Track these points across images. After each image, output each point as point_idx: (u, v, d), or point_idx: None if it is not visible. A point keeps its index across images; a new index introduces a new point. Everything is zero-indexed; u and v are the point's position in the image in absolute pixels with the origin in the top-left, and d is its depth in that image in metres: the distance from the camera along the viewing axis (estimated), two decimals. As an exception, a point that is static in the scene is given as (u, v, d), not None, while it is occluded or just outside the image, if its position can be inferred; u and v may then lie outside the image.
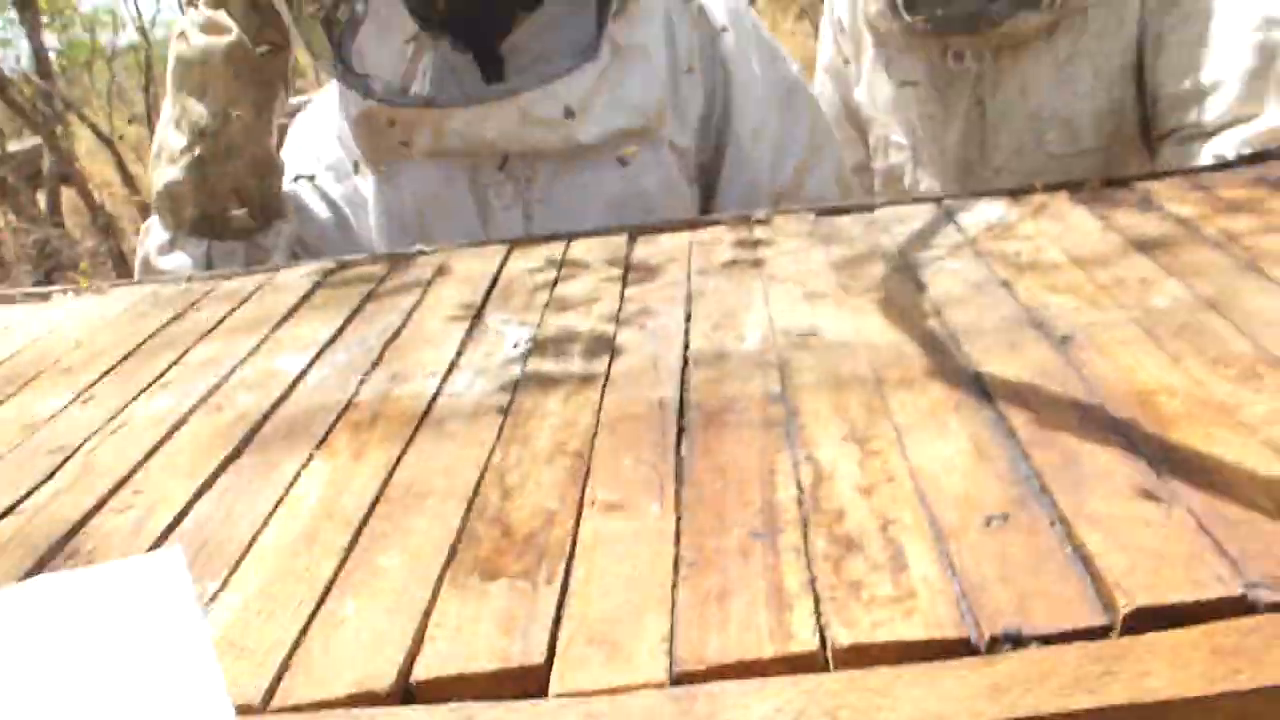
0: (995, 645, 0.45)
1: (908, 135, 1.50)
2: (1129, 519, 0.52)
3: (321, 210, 1.34)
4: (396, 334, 0.92)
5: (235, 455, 0.73)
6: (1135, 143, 1.40)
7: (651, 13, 1.23)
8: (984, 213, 1.03)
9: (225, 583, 0.58)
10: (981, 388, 0.68)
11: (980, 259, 0.91)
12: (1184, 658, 0.43)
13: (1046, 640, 0.45)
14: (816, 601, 0.49)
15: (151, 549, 0.62)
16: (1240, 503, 0.52)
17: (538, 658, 0.48)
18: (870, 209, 1.09)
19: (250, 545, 0.61)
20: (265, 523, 0.63)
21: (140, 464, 0.74)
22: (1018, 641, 0.45)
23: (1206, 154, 1.27)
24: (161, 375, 0.90)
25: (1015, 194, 1.07)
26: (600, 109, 1.19)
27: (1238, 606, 0.46)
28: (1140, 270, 0.84)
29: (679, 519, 0.58)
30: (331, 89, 1.37)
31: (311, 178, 1.33)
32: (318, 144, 1.36)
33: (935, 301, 0.83)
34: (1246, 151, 1.19)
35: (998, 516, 0.54)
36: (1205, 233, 0.90)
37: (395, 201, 1.28)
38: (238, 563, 0.60)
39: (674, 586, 0.52)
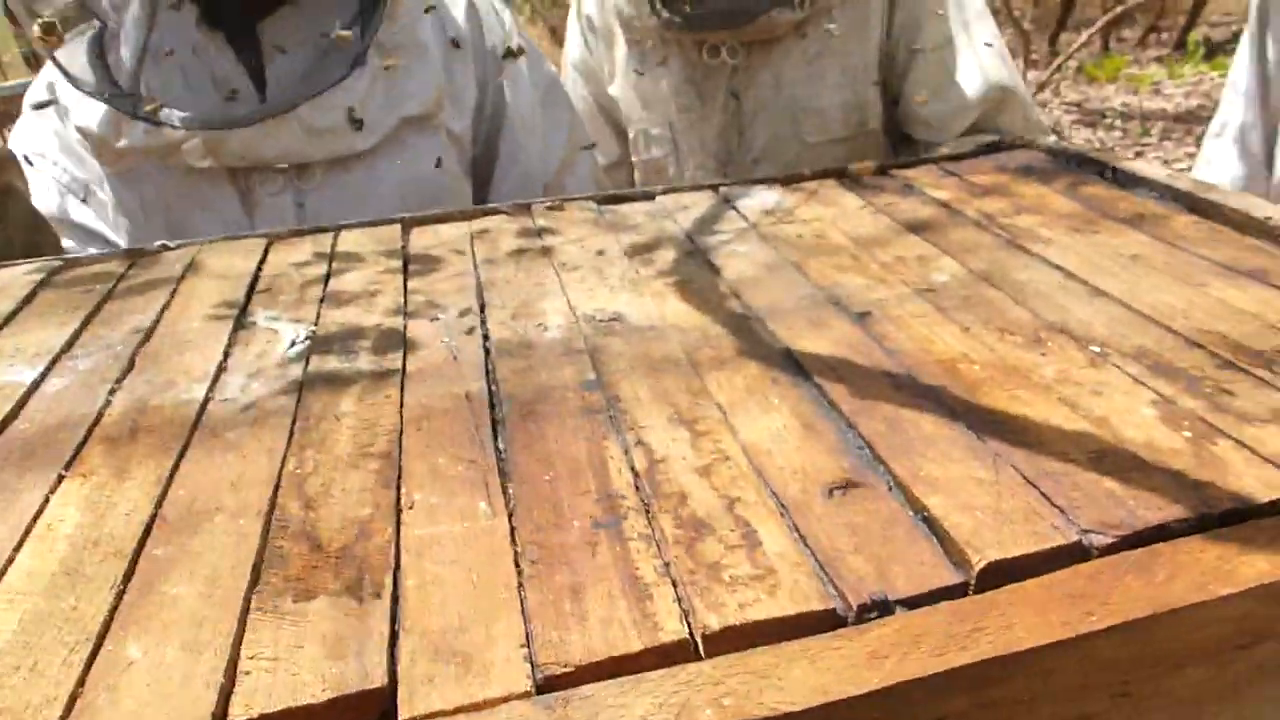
0: (864, 614, 0.45)
1: (666, 129, 1.52)
2: (963, 479, 0.53)
3: (90, 245, 1.18)
4: (148, 337, 0.81)
5: (-42, 485, 0.62)
6: (878, 135, 1.49)
7: (418, 9, 1.19)
8: (761, 198, 1.04)
9: (-34, 635, 0.48)
10: (794, 363, 0.68)
11: (766, 242, 0.92)
12: (1041, 606, 0.44)
13: (911, 604, 0.45)
14: (675, 587, 0.47)
15: None
16: (1055, 457, 0.55)
17: (379, 680, 0.43)
18: (650, 196, 1.08)
19: (-6, 587, 0.51)
20: (10, 559, 0.53)
21: None
22: (884, 608, 0.45)
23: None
24: None
25: (787, 181, 1.10)
26: (378, 111, 1.14)
27: (1075, 553, 0.47)
28: (916, 249, 0.88)
29: (511, 515, 0.54)
30: (41, 81, 1.21)
31: (61, 220, 1.18)
32: (51, 167, 1.20)
33: (732, 284, 0.83)
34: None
35: (839, 487, 0.54)
36: (966, 214, 0.95)
37: (133, 198, 1.15)
38: (-20, 610, 0.49)
39: (519, 587, 0.48)
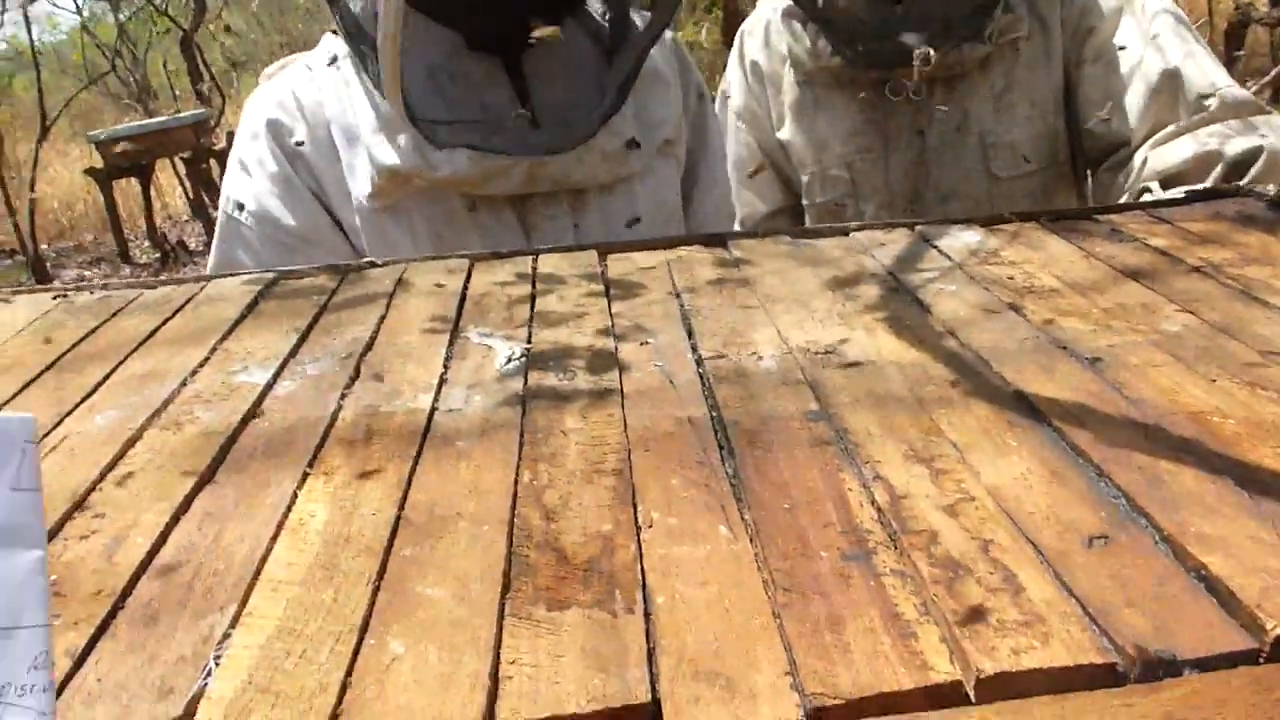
0: (1148, 672, 0.42)
1: (844, 170, 1.50)
2: (1240, 539, 0.50)
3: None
4: (369, 347, 0.84)
5: (209, 476, 0.65)
6: (1067, 165, 1.45)
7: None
8: (962, 238, 1.02)
9: (236, 619, 0.50)
10: (1029, 406, 0.66)
11: (975, 282, 0.90)
12: (1354, 682, 0.41)
13: (1201, 666, 0.42)
14: (939, 626, 0.45)
15: (133, 579, 0.54)
16: (1340, 521, 0.51)
17: (642, 696, 0.43)
18: (845, 232, 1.07)
19: (256, 575, 0.53)
20: (268, 549, 0.55)
21: (95, 485, 0.64)
22: (1171, 668, 0.42)
23: (1131, 180, 1.33)
24: (98, 387, 0.80)
25: (986, 222, 1.07)
26: (643, 135, 1.18)
27: (1383, 627, 0.44)
28: (1139, 297, 0.84)
29: (753, 541, 0.53)
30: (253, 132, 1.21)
31: None
32: (262, 223, 1.20)
33: (946, 322, 0.81)
34: (1155, 186, 1.26)
35: (1098, 537, 0.51)
36: (1187, 262, 0.91)
37: (403, 233, 1.15)
38: (245, 595, 0.51)
39: (775, 615, 0.47)
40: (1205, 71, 1.33)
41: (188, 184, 6.74)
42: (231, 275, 1.07)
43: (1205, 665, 0.42)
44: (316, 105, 1.18)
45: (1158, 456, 0.58)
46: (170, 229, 7.11)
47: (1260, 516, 0.51)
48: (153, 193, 6.56)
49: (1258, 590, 0.46)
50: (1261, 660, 0.43)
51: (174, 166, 6.84)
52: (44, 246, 6.53)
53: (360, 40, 1.14)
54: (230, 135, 7.03)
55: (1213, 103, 1.30)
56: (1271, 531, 0.50)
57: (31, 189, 5.97)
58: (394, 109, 1.09)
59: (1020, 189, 1.42)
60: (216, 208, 1.28)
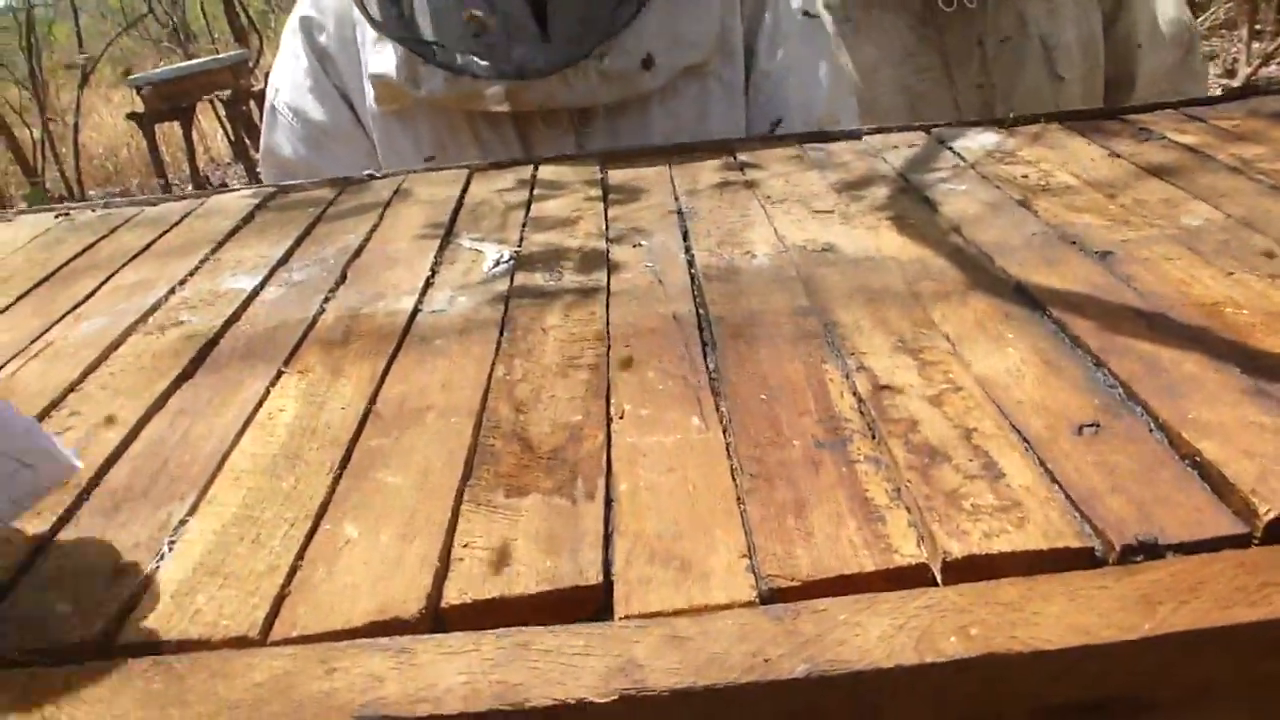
0: (1128, 556, 0.40)
1: (902, 95, 1.44)
2: (1240, 424, 0.47)
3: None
4: (358, 253, 0.82)
5: (186, 375, 0.64)
6: (1104, 71, 1.41)
7: None
8: (979, 139, 0.98)
9: (194, 507, 0.49)
10: (1029, 298, 0.63)
11: (987, 182, 0.86)
12: (1347, 564, 0.38)
13: (1185, 551, 0.40)
14: (910, 511, 0.43)
15: (99, 473, 0.53)
16: (1351, 406, 0.48)
17: (594, 578, 0.41)
18: (858, 136, 1.03)
19: (220, 466, 0.52)
20: (234, 442, 0.54)
21: (75, 385, 0.64)
22: (1153, 552, 0.40)
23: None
24: (88, 298, 0.79)
25: (1005, 123, 1.03)
26: (664, 53, 1.11)
27: (1386, 510, 0.41)
28: (1160, 193, 0.80)
29: (726, 430, 0.51)
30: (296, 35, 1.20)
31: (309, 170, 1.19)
32: (297, 119, 1.20)
33: (952, 220, 0.77)
34: None
35: (1089, 425, 0.48)
36: (1217, 159, 0.86)
37: (407, 138, 1.14)
38: (207, 485, 0.50)
39: (739, 500, 0.45)
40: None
41: (228, 126, 6.72)
42: (232, 190, 1.06)
43: (1191, 550, 0.40)
44: (345, 4, 1.16)
45: (1161, 345, 0.55)
46: (213, 172, 7.12)
47: (1264, 402, 0.48)
48: (194, 135, 6.55)
49: (1253, 475, 0.43)
50: (1255, 544, 0.40)
51: (214, 109, 6.81)
52: (91, 193, 6.58)
53: None
54: (268, 75, 6.96)
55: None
56: (1275, 417, 0.47)
57: (75, 134, 5.99)
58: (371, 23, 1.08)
59: (1082, 91, 1.38)
60: (258, 149, 1.28)
